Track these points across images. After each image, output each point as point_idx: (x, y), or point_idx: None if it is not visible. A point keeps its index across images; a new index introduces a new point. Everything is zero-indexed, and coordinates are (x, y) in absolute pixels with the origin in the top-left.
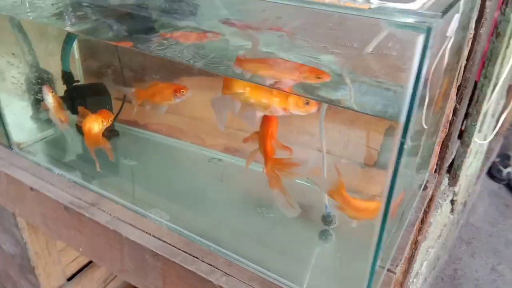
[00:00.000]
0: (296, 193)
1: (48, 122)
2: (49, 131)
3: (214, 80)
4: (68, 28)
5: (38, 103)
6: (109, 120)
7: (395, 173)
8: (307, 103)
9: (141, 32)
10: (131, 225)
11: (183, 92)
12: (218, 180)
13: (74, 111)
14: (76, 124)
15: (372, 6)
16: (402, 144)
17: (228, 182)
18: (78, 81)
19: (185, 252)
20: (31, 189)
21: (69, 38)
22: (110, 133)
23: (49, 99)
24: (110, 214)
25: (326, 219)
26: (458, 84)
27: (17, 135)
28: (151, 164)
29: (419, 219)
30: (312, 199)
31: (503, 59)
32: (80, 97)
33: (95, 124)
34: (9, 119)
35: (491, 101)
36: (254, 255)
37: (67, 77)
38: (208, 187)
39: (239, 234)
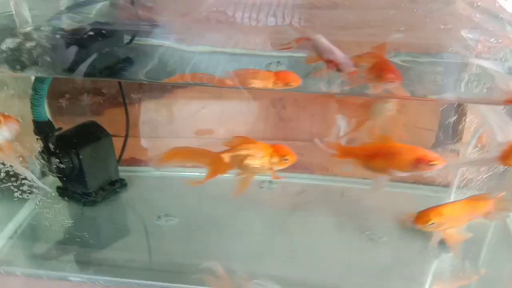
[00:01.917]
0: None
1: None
2: (18, 218)
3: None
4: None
5: None
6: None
7: None
8: None
9: None
10: None
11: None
12: (291, 210)
13: (58, 170)
14: (58, 187)
15: None
16: None
17: (305, 208)
18: (60, 128)
19: None
20: None
21: (39, 82)
22: (114, 184)
23: None
24: None
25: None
26: None
27: None
28: (195, 215)
29: None
30: None
31: None
32: (70, 149)
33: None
34: None
35: None
36: None
37: (44, 127)
38: (289, 223)
39: (366, 277)
